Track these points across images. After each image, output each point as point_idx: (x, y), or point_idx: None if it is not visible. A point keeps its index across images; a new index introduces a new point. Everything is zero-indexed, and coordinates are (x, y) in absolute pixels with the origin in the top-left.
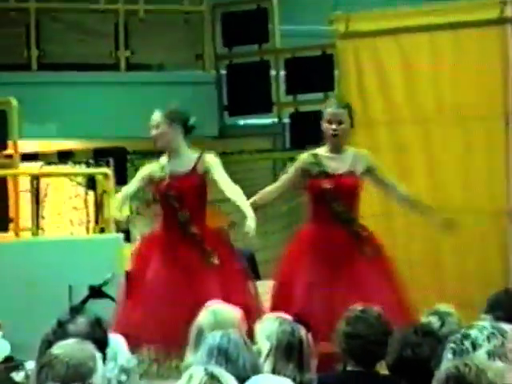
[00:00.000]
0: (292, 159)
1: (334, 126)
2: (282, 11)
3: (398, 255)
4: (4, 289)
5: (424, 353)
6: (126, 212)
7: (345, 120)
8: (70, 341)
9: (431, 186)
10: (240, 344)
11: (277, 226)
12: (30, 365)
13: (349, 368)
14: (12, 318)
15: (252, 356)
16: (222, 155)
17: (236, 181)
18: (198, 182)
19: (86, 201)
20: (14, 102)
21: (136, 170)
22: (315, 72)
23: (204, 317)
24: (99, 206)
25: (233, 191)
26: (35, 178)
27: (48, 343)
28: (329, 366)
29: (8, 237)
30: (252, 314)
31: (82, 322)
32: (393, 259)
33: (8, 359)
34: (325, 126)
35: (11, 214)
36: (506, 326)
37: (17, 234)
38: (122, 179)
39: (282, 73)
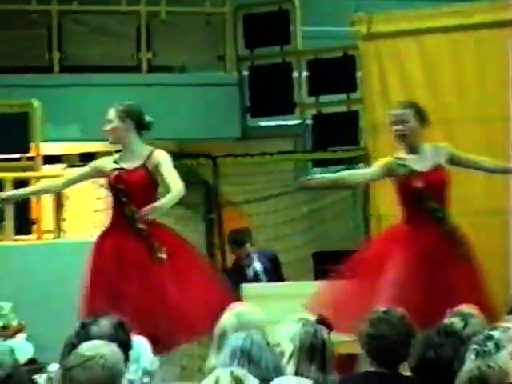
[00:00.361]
0: (314, 161)
1: (396, 127)
2: (303, 13)
3: None
4: (27, 291)
5: (446, 354)
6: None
7: (410, 119)
8: (97, 342)
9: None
10: (263, 345)
11: (297, 229)
12: (53, 367)
13: (372, 369)
14: (35, 320)
15: (274, 357)
16: (245, 157)
17: (257, 182)
18: (146, 177)
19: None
20: (36, 105)
21: None
22: (337, 73)
23: (227, 319)
24: None
25: (174, 186)
26: None
27: (71, 346)
28: None
29: (31, 239)
30: (212, 304)
31: (105, 325)
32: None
33: (31, 361)
34: (391, 129)
35: (34, 216)
36: None
37: (39, 237)
38: None
39: (304, 74)
